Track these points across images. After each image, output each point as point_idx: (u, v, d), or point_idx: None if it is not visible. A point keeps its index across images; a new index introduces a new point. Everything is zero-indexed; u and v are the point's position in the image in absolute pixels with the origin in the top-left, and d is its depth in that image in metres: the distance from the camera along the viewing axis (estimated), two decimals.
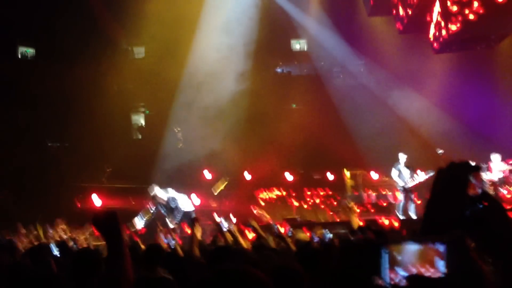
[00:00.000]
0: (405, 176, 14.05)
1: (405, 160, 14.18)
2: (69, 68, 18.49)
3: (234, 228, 7.76)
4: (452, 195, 1.51)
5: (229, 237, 7.50)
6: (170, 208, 12.03)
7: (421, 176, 13.71)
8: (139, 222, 11.98)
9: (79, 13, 18.97)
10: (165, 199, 12.05)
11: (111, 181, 16.89)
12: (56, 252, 6.57)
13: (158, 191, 12.14)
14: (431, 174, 13.55)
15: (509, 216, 1.78)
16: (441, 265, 1.44)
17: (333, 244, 5.93)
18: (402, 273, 1.50)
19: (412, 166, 14.20)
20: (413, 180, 13.90)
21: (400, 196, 14.28)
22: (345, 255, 1.82)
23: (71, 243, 8.90)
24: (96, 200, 15.75)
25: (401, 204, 14.08)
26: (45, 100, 18.78)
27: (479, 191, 1.57)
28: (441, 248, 1.43)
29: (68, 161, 18.59)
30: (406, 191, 14.01)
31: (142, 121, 22.84)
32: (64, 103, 18.83)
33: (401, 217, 13.60)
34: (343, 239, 3.89)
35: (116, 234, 2.46)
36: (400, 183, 14.09)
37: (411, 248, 1.50)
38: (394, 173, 14.24)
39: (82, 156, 18.62)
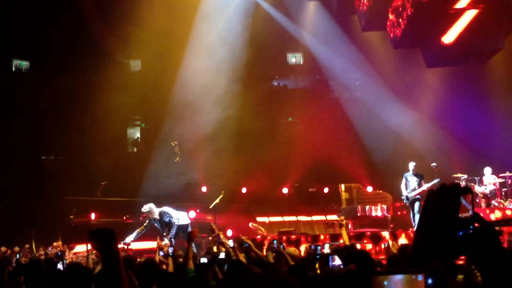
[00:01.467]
0: (412, 185, 13.76)
1: (413, 168, 13.92)
2: (64, 81, 18.52)
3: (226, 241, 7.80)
4: (442, 218, 1.53)
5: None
6: (164, 222, 12.00)
7: (426, 184, 13.50)
8: (130, 236, 11.94)
9: (75, 27, 19.03)
10: (157, 214, 12.01)
11: (106, 195, 16.85)
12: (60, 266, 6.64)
13: (150, 207, 12.11)
14: (436, 181, 13.47)
15: (500, 238, 1.80)
16: None
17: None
18: None
19: (421, 174, 13.95)
20: (420, 188, 13.60)
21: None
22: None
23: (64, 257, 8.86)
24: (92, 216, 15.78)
25: (411, 215, 13.83)
26: (40, 113, 18.78)
27: (470, 213, 1.60)
28: (420, 278, 1.45)
29: (63, 175, 18.56)
30: (410, 201, 13.73)
31: (138, 135, 22.86)
32: (59, 116, 18.83)
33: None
34: (326, 271, 3.81)
35: (112, 251, 2.51)
36: (404, 193, 13.83)
37: (395, 279, 1.51)
38: (402, 182, 13.97)
39: (77, 170, 18.60)
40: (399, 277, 1.46)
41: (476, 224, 1.53)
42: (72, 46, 19.12)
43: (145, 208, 12.12)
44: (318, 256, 6.17)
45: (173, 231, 11.84)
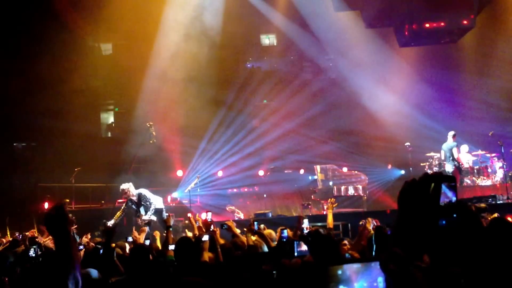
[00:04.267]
0: (455, 154, 13.66)
1: (452, 138, 13.74)
2: (35, 66, 18.13)
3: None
4: (425, 205, 1.52)
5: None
6: (142, 205, 11.92)
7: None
8: (110, 221, 11.84)
9: (44, 10, 18.60)
10: (135, 194, 11.93)
11: (80, 181, 16.66)
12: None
13: (130, 185, 12.03)
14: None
15: (483, 226, 1.81)
16: (380, 282, 1.48)
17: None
18: None
19: (458, 145, 13.87)
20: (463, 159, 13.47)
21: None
22: (284, 280, 1.83)
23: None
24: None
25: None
26: (10, 99, 18.40)
27: (453, 200, 1.59)
28: (377, 266, 1.44)
29: (36, 161, 18.29)
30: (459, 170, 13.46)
31: (112, 119, 22.59)
32: (30, 101, 18.47)
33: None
34: (280, 264, 3.68)
35: (63, 234, 2.50)
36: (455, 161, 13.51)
37: (351, 268, 1.51)
38: (443, 153, 13.76)
39: (50, 156, 18.33)
40: (355, 265, 1.45)
41: (458, 212, 1.52)
42: (41, 30, 18.67)
43: (126, 185, 12.04)
44: (284, 239, 6.20)
45: (149, 214, 11.78)
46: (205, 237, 6.83)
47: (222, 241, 6.97)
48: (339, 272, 1.50)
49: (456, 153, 13.73)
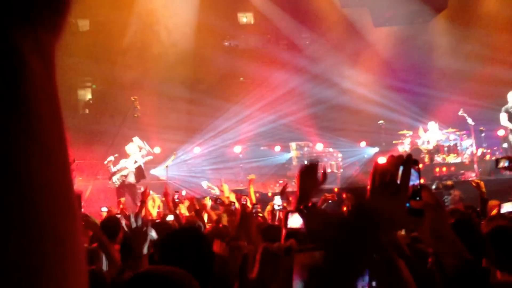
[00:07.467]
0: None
1: None
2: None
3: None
4: (394, 188, 1.49)
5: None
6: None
7: None
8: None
9: None
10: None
11: None
12: None
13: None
14: None
15: (445, 211, 1.87)
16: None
17: None
18: None
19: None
20: None
21: None
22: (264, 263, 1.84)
23: None
24: None
25: None
26: None
27: (418, 184, 1.60)
28: None
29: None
30: None
31: (89, 96, 22.47)
32: None
33: None
34: (264, 248, 3.24)
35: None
36: None
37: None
38: (503, 117, 11.91)
39: None
40: None
41: (423, 196, 1.60)
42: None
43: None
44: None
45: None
46: (170, 217, 6.97)
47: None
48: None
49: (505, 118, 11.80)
